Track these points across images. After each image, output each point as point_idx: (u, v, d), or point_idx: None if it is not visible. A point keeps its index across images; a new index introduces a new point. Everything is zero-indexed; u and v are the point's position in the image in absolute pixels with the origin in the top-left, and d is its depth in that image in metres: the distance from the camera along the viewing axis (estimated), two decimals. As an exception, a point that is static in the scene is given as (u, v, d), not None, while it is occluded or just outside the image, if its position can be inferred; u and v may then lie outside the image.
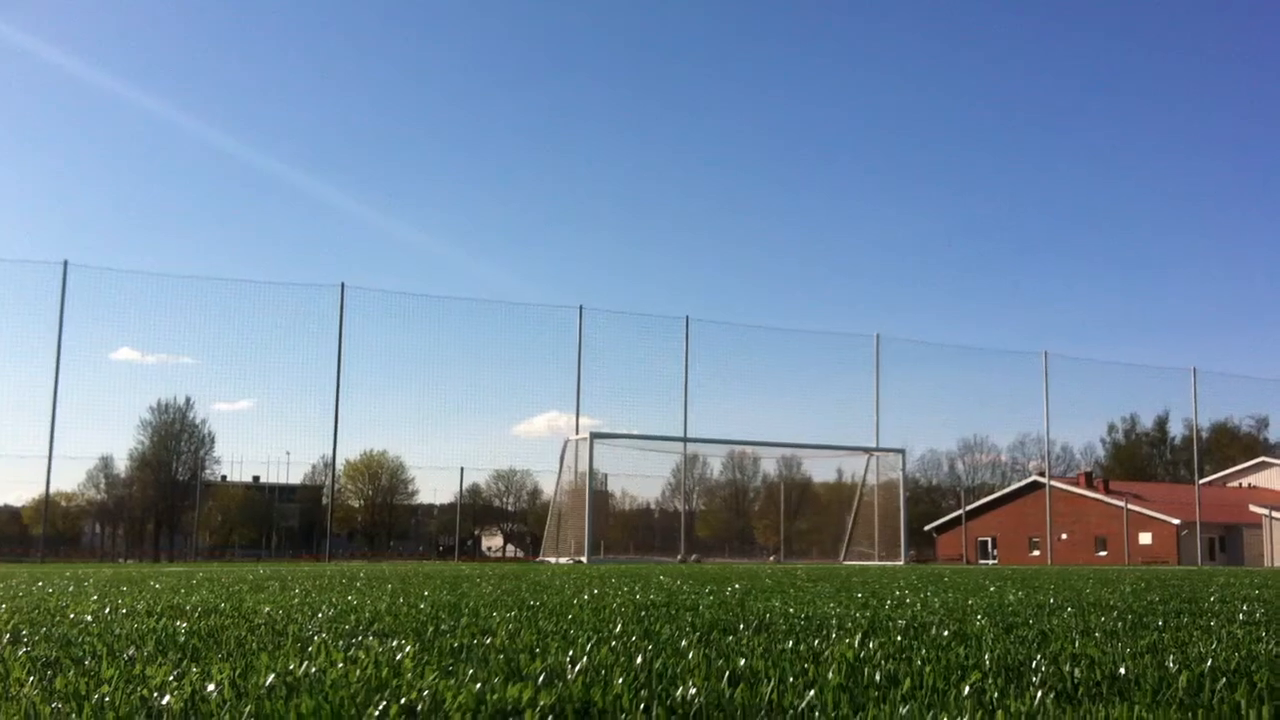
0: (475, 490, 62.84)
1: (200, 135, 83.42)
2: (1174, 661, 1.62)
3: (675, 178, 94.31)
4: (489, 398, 30.10)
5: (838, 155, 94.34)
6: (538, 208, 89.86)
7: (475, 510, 64.27)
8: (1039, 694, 1.27)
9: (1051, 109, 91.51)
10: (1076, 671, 1.50)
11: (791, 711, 1.15)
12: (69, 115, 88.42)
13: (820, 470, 42.06)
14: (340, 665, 1.52)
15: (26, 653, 1.75)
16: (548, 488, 32.41)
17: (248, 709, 1.15)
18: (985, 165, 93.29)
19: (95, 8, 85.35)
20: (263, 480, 67.18)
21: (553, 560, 24.16)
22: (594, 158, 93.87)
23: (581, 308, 26.75)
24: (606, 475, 30.49)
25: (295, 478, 62.54)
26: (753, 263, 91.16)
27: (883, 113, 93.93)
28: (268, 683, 1.34)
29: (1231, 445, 68.36)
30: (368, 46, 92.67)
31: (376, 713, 1.13)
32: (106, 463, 62.53)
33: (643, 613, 2.71)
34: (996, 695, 1.26)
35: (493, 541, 73.44)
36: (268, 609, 2.82)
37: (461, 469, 32.63)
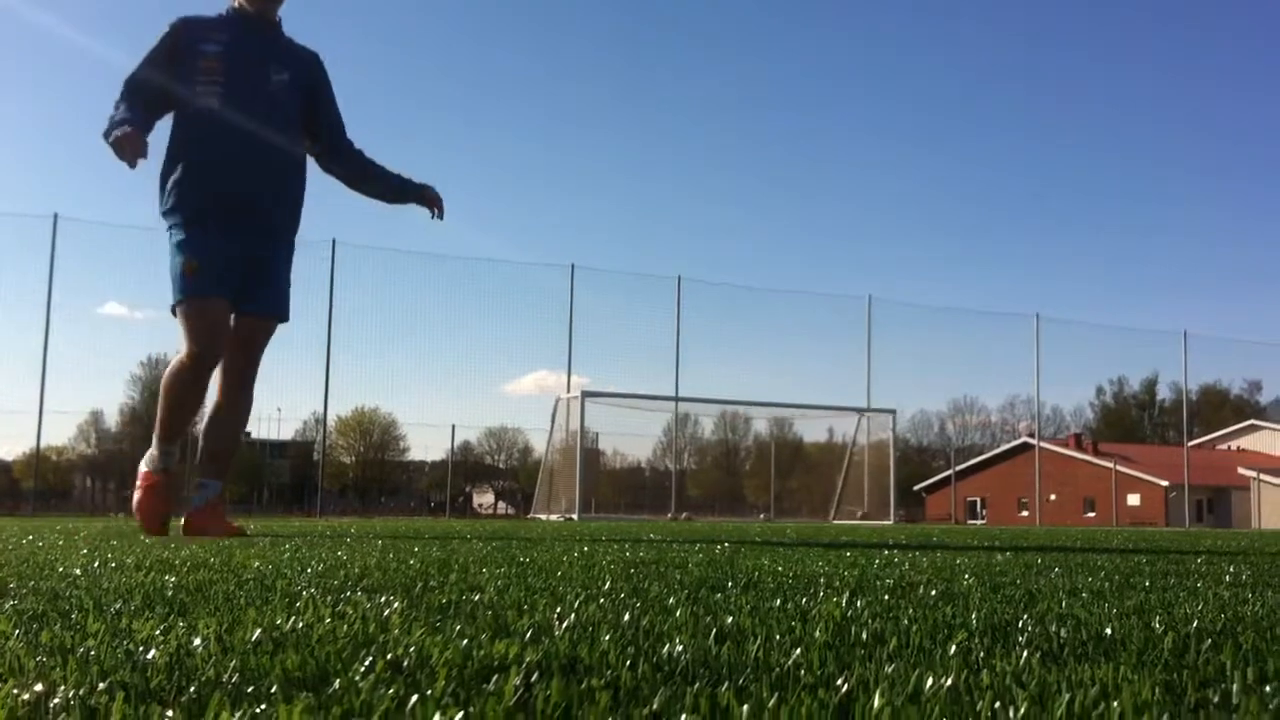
0: (467, 447, 62.92)
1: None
2: (1160, 623, 1.63)
3: (668, 137, 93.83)
4: (480, 355, 30.00)
5: (830, 116, 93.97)
6: (529, 166, 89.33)
7: (467, 467, 64.37)
8: (1025, 653, 1.27)
9: (1045, 73, 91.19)
10: (1063, 631, 1.51)
11: (777, 669, 1.15)
12: (58, 69, 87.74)
13: (811, 430, 42.21)
14: (327, 621, 1.52)
15: (14, 606, 1.75)
16: (539, 446, 32.43)
17: (233, 663, 1.15)
18: (978, 128, 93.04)
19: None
20: (254, 436, 67.08)
21: (544, 517, 24.25)
22: (585, 116, 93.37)
23: (573, 266, 26.65)
24: (598, 434, 30.51)
25: (286, 434, 62.35)
26: (745, 223, 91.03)
27: (875, 74, 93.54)
28: (254, 638, 1.34)
29: (1223, 408, 68.58)
30: (353, 6, 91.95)
31: (362, 668, 1.13)
32: (97, 417, 62.47)
33: (631, 570, 2.71)
34: (983, 654, 1.26)
35: (484, 499, 73.58)
36: (257, 564, 2.82)
37: (453, 426, 32.63)
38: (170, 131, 5.39)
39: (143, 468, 5.68)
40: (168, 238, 5.33)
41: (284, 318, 5.64)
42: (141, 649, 1.24)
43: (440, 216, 5.86)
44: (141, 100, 5.27)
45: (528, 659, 1.17)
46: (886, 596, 2.01)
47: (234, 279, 5.31)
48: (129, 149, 4.97)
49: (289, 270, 5.63)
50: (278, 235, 5.52)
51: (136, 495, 5.64)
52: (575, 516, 23.64)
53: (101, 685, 1.03)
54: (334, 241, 24.22)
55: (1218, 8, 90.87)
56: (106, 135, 5.04)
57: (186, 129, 5.34)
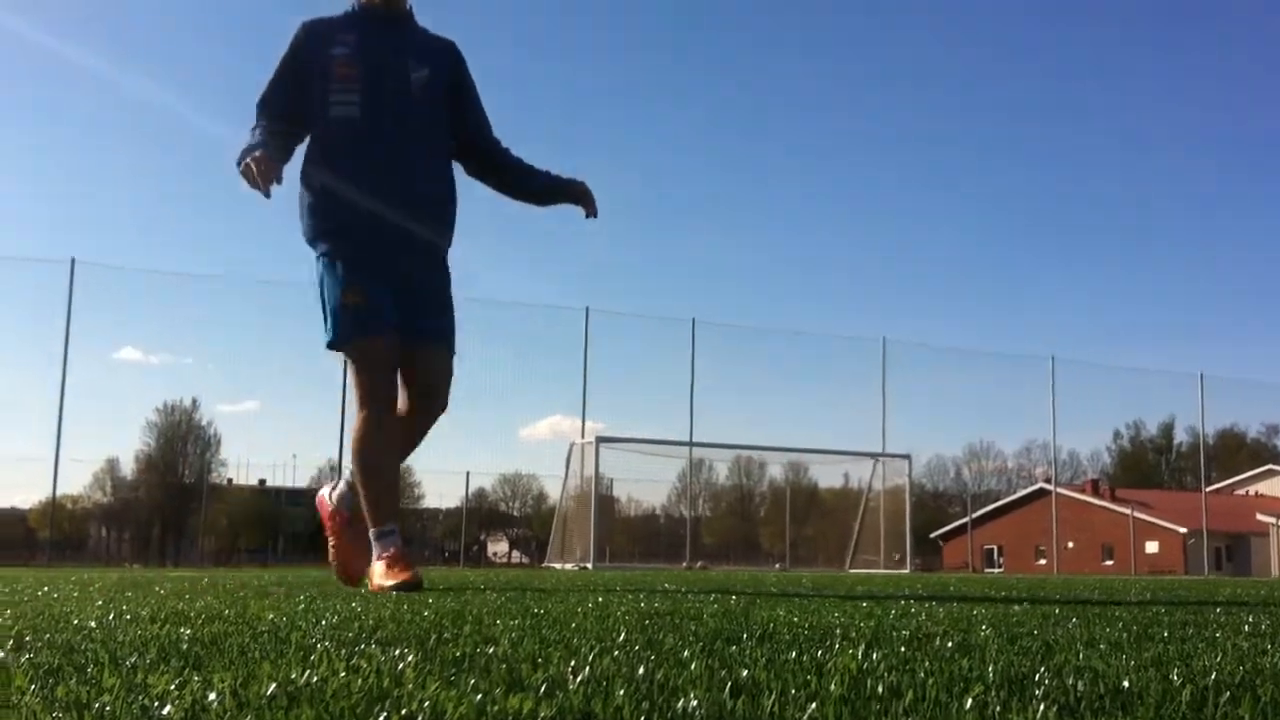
0: (481, 494, 62.82)
1: (207, 128, 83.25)
2: (1178, 675, 1.62)
3: (682, 178, 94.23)
4: (494, 401, 29.99)
5: (844, 158, 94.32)
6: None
7: (481, 515, 64.21)
8: (1041, 707, 1.26)
9: (1060, 113, 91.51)
10: (1080, 684, 1.50)
11: (793, 724, 1.15)
12: (78, 107, 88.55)
13: (826, 476, 41.99)
14: (342, 674, 1.52)
15: (29, 659, 1.75)
16: (554, 492, 32.37)
17: (248, 718, 1.15)
18: (992, 169, 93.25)
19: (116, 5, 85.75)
20: (269, 483, 67.08)
21: (558, 566, 24.15)
22: (599, 157, 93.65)
23: (588, 309, 26.66)
24: (612, 480, 30.40)
25: (302, 480, 62.45)
26: (759, 264, 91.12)
27: (889, 116, 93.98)
28: (269, 692, 1.34)
29: (1240, 452, 68.15)
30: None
31: (377, 723, 1.13)
32: (113, 465, 62.54)
33: (646, 621, 2.70)
34: (999, 708, 1.26)
35: (498, 547, 73.37)
36: (271, 616, 2.81)
37: (468, 473, 32.58)
38: (306, 148, 4.84)
39: (375, 558, 4.69)
40: (317, 266, 4.78)
41: (453, 350, 4.96)
42: (157, 704, 1.24)
43: (594, 214, 5.19)
44: (277, 122, 4.76)
45: (542, 714, 1.17)
46: (903, 648, 2.00)
47: (397, 309, 4.75)
48: (262, 175, 4.47)
49: (450, 294, 5.01)
50: (435, 252, 4.96)
51: (378, 569, 4.63)
52: (589, 565, 23.54)
53: (117, 742, 1.03)
54: (349, 290, 24.27)
55: (1240, 53, 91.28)
56: (238, 164, 4.56)
57: (325, 143, 4.79)
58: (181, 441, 66.84)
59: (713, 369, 29.26)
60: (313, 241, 4.80)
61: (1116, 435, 76.28)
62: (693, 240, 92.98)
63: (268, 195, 4.49)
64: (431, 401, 4.87)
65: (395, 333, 4.73)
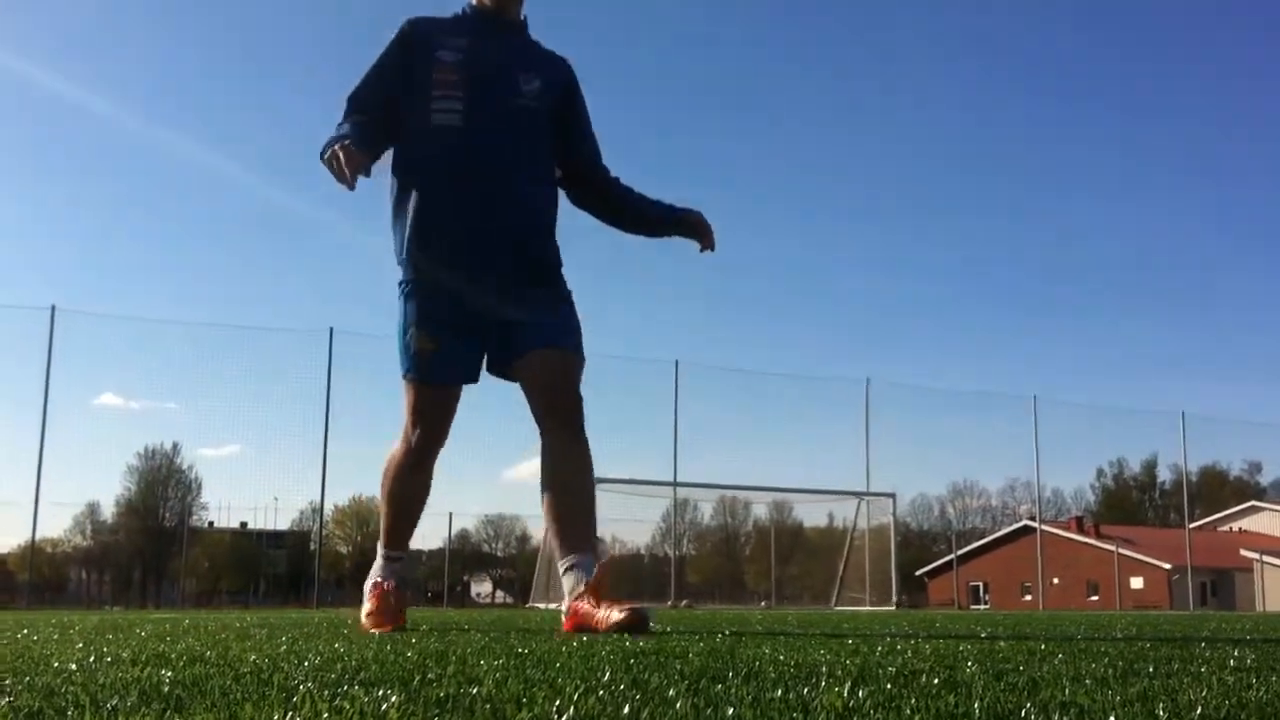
0: (464, 536, 62.55)
1: (190, 171, 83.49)
2: (1163, 710, 1.62)
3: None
4: (478, 442, 29.89)
5: (827, 199, 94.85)
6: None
7: (464, 556, 63.91)
8: (1028, 743, 1.26)
9: (1045, 162, 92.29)
10: (1066, 720, 1.50)
11: (779, 762, 1.14)
12: (59, 151, 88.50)
13: (811, 515, 41.94)
14: (325, 716, 1.51)
15: (9, 703, 1.74)
16: (537, 533, 32.23)
17: (230, 761, 1.14)
18: (974, 209, 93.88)
19: (91, 36, 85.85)
20: (250, 526, 66.66)
21: (542, 606, 24.02)
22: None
23: (571, 351, 26.61)
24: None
25: (283, 523, 62.06)
26: (743, 305, 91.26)
27: (872, 156, 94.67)
28: (251, 734, 1.33)
29: (1223, 489, 68.37)
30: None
31: (361, 764, 1.12)
32: (93, 509, 62.18)
33: (631, 660, 2.69)
34: (985, 745, 1.26)
35: (481, 588, 73.00)
36: (253, 657, 2.79)
37: (450, 514, 32.48)
38: (399, 161, 4.49)
39: (370, 583, 4.66)
40: (398, 291, 4.49)
41: (569, 347, 4.52)
42: (138, 747, 1.23)
43: (711, 248, 4.77)
44: (369, 116, 4.40)
45: (527, 754, 1.16)
46: (889, 685, 2.00)
47: (476, 344, 4.49)
48: (349, 166, 4.09)
49: (570, 308, 4.59)
50: (536, 270, 4.52)
51: (366, 608, 4.60)
52: (574, 605, 23.37)
53: (98, 785, 1.03)
54: (331, 330, 24.30)
55: (1219, 98, 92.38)
56: (322, 154, 4.20)
57: (422, 156, 4.41)
58: (162, 485, 66.50)
59: (696, 410, 29.27)
60: (400, 263, 4.49)
61: (1100, 473, 76.44)
62: (675, 282, 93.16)
63: (352, 187, 4.12)
64: (555, 401, 4.47)
65: (458, 385, 4.56)
